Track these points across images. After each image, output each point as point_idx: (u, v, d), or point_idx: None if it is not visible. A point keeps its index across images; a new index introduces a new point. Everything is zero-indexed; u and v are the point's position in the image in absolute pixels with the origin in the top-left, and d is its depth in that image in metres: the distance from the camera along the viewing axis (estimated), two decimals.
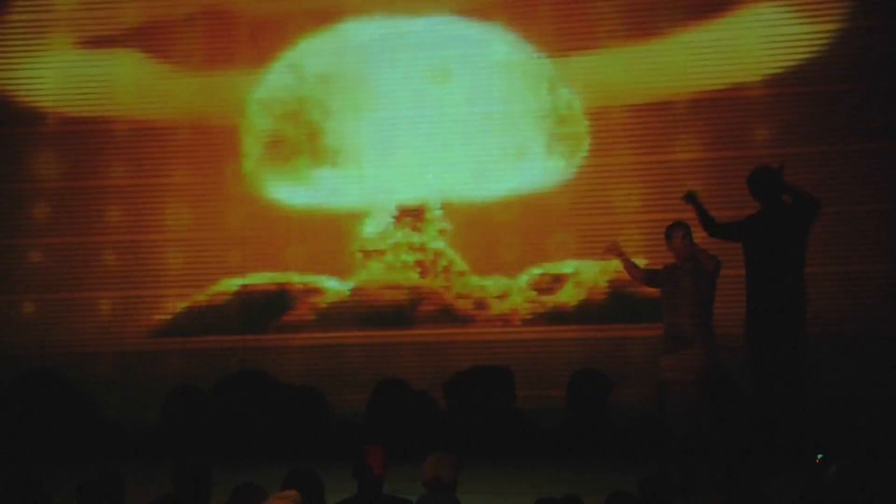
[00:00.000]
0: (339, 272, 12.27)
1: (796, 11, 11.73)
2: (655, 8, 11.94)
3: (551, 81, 12.14)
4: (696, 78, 11.86)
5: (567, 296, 11.97)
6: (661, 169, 11.86)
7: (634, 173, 11.93)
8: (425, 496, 5.53)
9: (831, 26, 11.69)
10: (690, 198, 8.36)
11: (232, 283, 12.42)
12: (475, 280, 12.02)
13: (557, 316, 11.89)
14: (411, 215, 12.22)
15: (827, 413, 9.43)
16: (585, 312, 11.95)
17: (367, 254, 12.23)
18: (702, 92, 11.85)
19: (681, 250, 8.07)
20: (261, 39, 12.44)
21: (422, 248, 12.15)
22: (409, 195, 12.21)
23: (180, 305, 12.43)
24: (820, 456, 6.56)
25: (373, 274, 12.21)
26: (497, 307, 11.99)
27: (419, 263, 12.15)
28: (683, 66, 11.86)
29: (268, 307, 12.35)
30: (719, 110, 11.82)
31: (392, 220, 12.23)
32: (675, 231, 8.16)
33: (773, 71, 11.75)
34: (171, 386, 10.86)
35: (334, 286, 12.26)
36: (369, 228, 12.26)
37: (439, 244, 12.17)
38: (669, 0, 11.89)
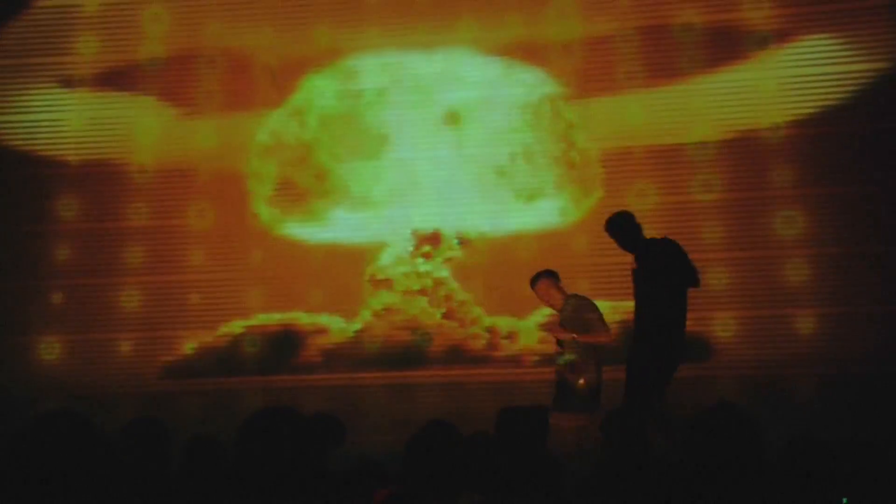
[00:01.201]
0: (355, 312, 12.30)
1: (814, 56, 11.78)
2: (674, 52, 11.99)
3: (569, 122, 12.17)
4: (714, 120, 11.89)
5: None
6: (678, 210, 11.87)
7: (651, 214, 11.93)
8: None
9: (851, 67, 11.74)
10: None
11: (249, 324, 12.44)
12: (486, 319, 12.04)
13: None
14: (426, 244, 12.25)
15: (845, 454, 9.35)
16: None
17: (377, 283, 12.25)
18: (720, 134, 11.89)
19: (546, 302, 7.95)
20: (280, 81, 12.53)
21: (427, 275, 12.18)
22: (425, 227, 12.25)
23: (198, 346, 12.46)
24: (845, 501, 6.50)
25: (384, 302, 12.24)
26: (508, 347, 11.99)
27: (423, 291, 12.16)
28: (701, 109, 11.90)
29: (285, 347, 12.37)
30: (737, 152, 11.85)
31: (406, 250, 12.26)
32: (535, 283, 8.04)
33: (791, 113, 11.79)
34: (189, 435, 10.84)
35: (349, 326, 12.28)
36: (383, 260, 12.30)
37: (443, 273, 12.19)
38: (687, 44, 11.94)
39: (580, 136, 12.17)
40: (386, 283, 12.29)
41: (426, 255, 12.24)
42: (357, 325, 12.27)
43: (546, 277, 7.83)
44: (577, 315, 7.69)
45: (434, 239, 12.28)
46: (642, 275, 7.99)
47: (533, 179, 12.16)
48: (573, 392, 7.64)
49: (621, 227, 8.10)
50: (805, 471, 6.82)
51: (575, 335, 7.55)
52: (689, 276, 8.01)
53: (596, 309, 7.82)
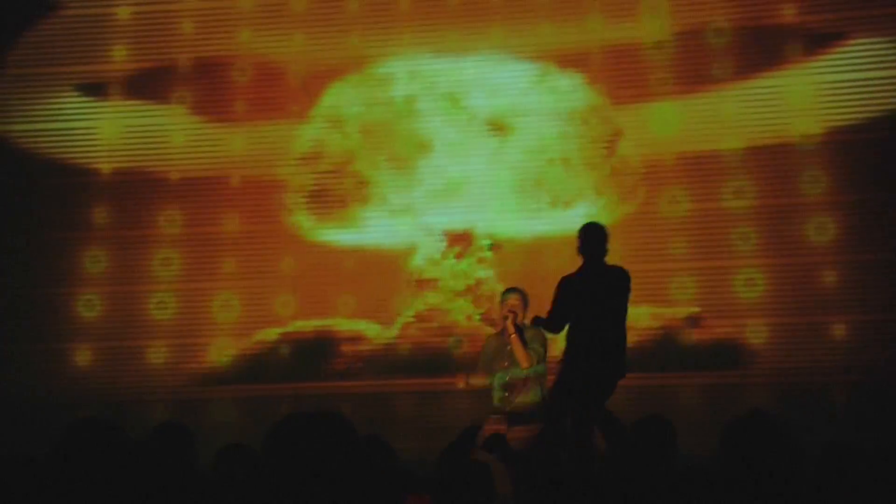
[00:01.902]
0: (390, 318, 12.29)
1: (848, 62, 11.72)
2: (709, 59, 11.95)
3: (604, 128, 12.14)
4: (748, 127, 11.85)
5: None
6: (714, 217, 11.84)
7: (687, 221, 11.90)
8: None
9: (888, 73, 11.68)
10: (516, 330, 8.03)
11: (282, 331, 12.45)
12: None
13: None
14: (458, 244, 12.23)
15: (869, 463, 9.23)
16: (636, 360, 11.90)
17: (422, 283, 12.24)
18: (754, 140, 11.84)
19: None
20: (311, 88, 12.54)
21: (469, 275, 12.15)
22: (457, 228, 12.25)
23: (231, 353, 12.48)
24: None
25: (427, 303, 12.22)
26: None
27: (468, 289, 12.13)
28: (737, 115, 11.86)
29: (318, 354, 12.37)
30: (771, 158, 11.79)
31: (439, 251, 12.24)
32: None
33: (827, 119, 11.72)
34: (224, 442, 10.81)
35: (383, 332, 12.27)
36: (421, 261, 12.28)
37: (483, 273, 12.17)
38: (722, 52, 11.90)
39: (615, 142, 12.12)
40: (432, 283, 12.27)
41: (459, 256, 12.22)
42: (392, 332, 12.26)
43: (523, 295, 7.74)
44: (537, 342, 7.57)
45: (465, 239, 12.26)
46: (593, 292, 7.95)
47: (567, 186, 12.12)
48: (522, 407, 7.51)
49: (595, 236, 8.11)
50: (841, 478, 6.76)
51: (531, 359, 7.43)
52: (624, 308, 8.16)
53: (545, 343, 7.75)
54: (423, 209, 12.33)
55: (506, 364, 7.57)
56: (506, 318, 7.43)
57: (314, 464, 7.22)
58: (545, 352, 7.53)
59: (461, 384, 7.76)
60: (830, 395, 11.24)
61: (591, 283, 8.08)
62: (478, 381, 7.74)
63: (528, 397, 7.48)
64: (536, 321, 7.95)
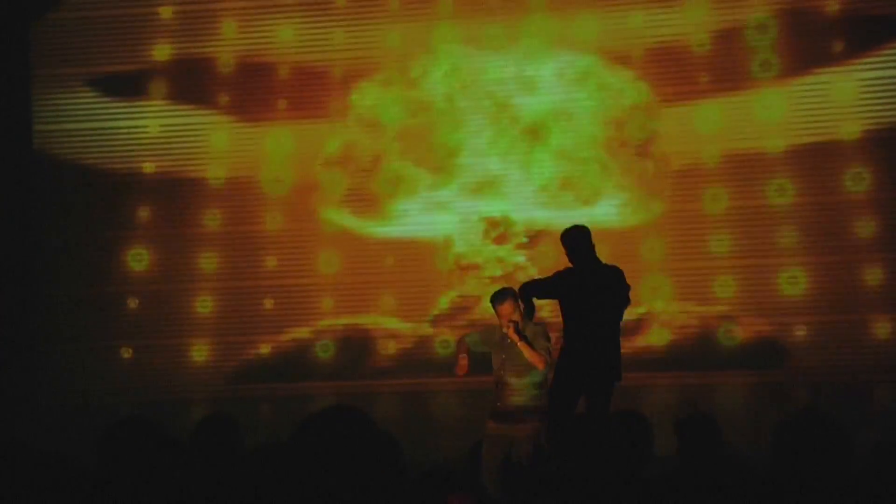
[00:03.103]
0: (426, 314, 12.31)
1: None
2: (749, 60, 11.91)
3: (643, 126, 12.10)
4: (790, 124, 11.80)
5: (655, 339, 11.89)
6: (752, 215, 11.80)
7: (729, 219, 11.87)
8: None
9: None
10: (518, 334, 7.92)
11: (320, 328, 12.49)
12: None
13: (643, 361, 11.78)
14: (497, 229, 12.22)
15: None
16: (673, 358, 11.87)
17: (463, 269, 12.23)
18: (795, 138, 11.79)
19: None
20: (349, 87, 12.56)
21: (507, 261, 12.13)
22: (494, 215, 12.26)
23: (269, 351, 12.52)
24: None
25: (470, 290, 12.22)
26: None
27: (506, 276, 12.11)
28: (779, 113, 11.81)
29: (356, 351, 12.40)
30: (813, 157, 11.72)
31: (480, 234, 12.24)
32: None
33: (868, 117, 11.65)
34: (262, 439, 10.85)
35: (420, 328, 12.28)
36: (459, 247, 12.28)
37: (521, 258, 12.16)
38: (764, 49, 11.85)
39: (656, 139, 12.08)
40: (472, 269, 12.26)
41: (498, 240, 12.20)
42: (430, 328, 12.27)
43: (514, 297, 7.64)
44: (541, 337, 7.49)
45: (504, 224, 12.24)
46: (586, 292, 7.93)
47: (605, 182, 12.08)
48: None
49: (576, 239, 8.08)
50: (892, 478, 6.69)
51: (544, 358, 7.36)
52: (626, 302, 8.08)
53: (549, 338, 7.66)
54: (462, 202, 12.32)
55: (503, 357, 7.51)
56: (507, 328, 7.32)
57: (336, 458, 7.28)
58: (550, 353, 7.45)
59: (463, 366, 7.68)
60: (874, 394, 11.16)
61: (585, 282, 8.05)
62: (472, 338, 7.70)
63: (521, 397, 7.42)
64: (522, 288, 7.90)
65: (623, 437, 7.75)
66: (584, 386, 7.99)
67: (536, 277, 8.86)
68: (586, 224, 8.36)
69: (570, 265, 8.24)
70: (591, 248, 8.14)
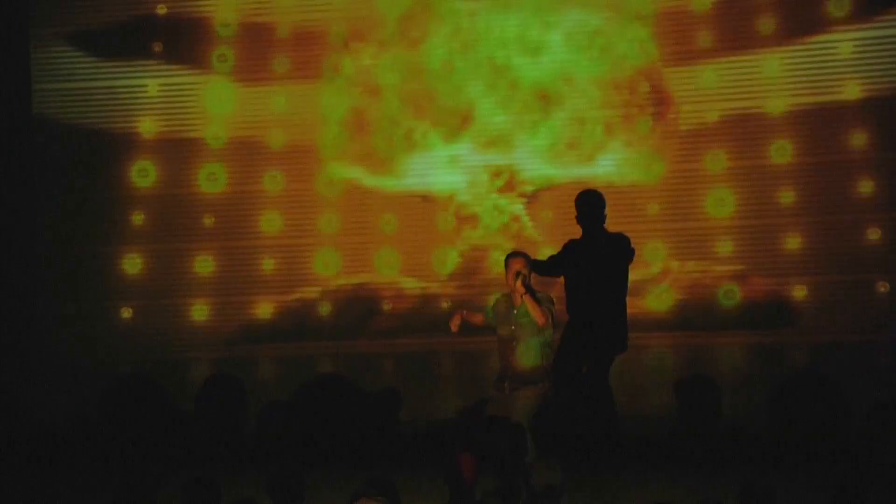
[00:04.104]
0: (429, 275, 12.32)
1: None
2: (754, 21, 11.87)
3: (650, 86, 12.07)
4: (790, 85, 11.77)
5: (655, 300, 11.91)
6: (753, 174, 11.79)
7: (731, 179, 11.87)
8: None
9: None
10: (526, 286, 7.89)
11: (322, 289, 12.50)
12: None
13: (644, 321, 11.80)
14: (500, 177, 12.22)
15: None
16: (673, 319, 11.89)
17: (464, 219, 12.19)
18: (796, 98, 11.76)
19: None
20: (350, 45, 12.51)
21: (506, 210, 12.11)
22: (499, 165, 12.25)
23: (273, 311, 12.54)
24: None
25: (470, 244, 12.22)
26: None
27: (504, 227, 12.11)
28: (779, 75, 11.78)
29: (358, 312, 12.41)
30: (814, 116, 11.70)
31: (485, 184, 12.21)
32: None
33: (869, 77, 11.62)
34: (264, 399, 10.88)
35: (423, 288, 12.30)
36: (463, 197, 12.27)
37: (518, 206, 12.16)
38: (768, 11, 11.82)
39: (661, 101, 12.05)
40: (473, 219, 12.24)
41: (502, 190, 12.20)
42: (432, 287, 12.28)
43: (526, 256, 7.61)
44: (545, 301, 7.48)
45: (509, 173, 12.23)
46: (591, 260, 7.95)
47: (610, 140, 12.06)
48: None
49: (590, 204, 8.04)
50: (889, 436, 6.74)
51: (546, 316, 7.35)
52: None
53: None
54: (468, 157, 12.29)
55: (512, 328, 7.49)
56: (515, 278, 7.32)
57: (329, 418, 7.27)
58: (553, 316, 7.44)
59: (457, 322, 7.66)
60: (873, 354, 11.18)
61: (590, 252, 8.03)
62: (476, 317, 7.69)
63: (529, 360, 7.41)
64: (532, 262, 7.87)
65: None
66: (587, 356, 8.00)
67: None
68: (591, 185, 8.34)
69: (573, 238, 8.22)
70: (603, 215, 8.09)
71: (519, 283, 7.21)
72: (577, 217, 8.13)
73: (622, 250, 8.07)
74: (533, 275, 7.47)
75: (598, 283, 7.98)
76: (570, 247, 8.19)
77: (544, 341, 7.41)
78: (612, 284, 8.04)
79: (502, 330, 7.49)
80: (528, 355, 7.36)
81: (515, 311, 7.40)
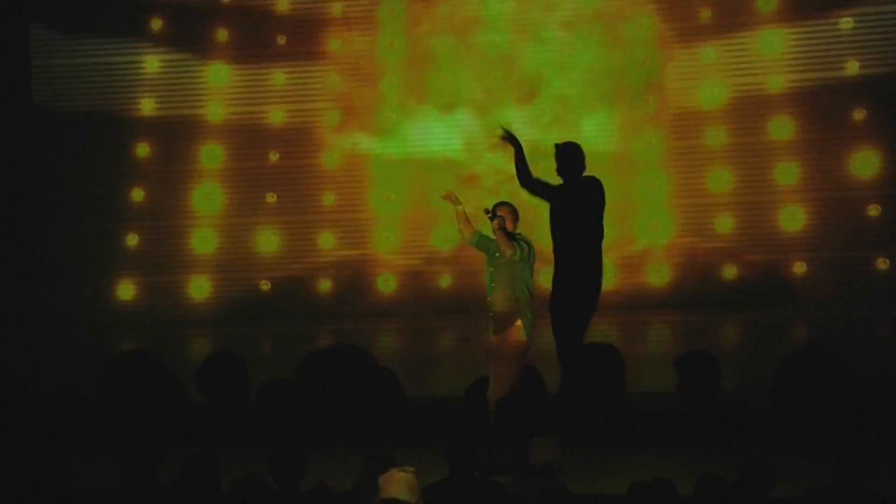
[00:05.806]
0: (425, 252, 12.36)
1: None
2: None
3: (648, 63, 12.10)
4: (789, 63, 11.78)
5: (654, 276, 11.94)
6: (755, 151, 11.82)
7: (729, 156, 11.91)
8: (528, 480, 5.51)
9: None
10: (510, 137, 8.16)
11: (325, 266, 12.54)
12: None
13: (643, 298, 11.84)
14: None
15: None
16: (672, 295, 11.94)
17: (464, 180, 12.17)
18: (795, 76, 11.78)
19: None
20: (352, 26, 12.55)
21: (502, 172, 12.12)
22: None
23: (274, 288, 12.57)
24: None
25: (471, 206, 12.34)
26: None
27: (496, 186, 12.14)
28: (778, 52, 11.80)
29: (357, 289, 12.46)
30: (814, 95, 11.72)
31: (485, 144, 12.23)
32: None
33: (867, 55, 11.63)
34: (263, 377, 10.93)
35: (422, 267, 12.34)
36: (462, 158, 12.37)
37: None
38: None
39: (660, 77, 12.08)
40: (473, 179, 12.24)
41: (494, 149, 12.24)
42: (429, 262, 12.34)
43: (511, 207, 7.79)
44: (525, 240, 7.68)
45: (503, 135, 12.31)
46: (571, 208, 8.11)
47: (608, 115, 12.09)
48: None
49: (571, 153, 8.11)
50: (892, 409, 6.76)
51: (514, 248, 7.54)
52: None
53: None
54: (467, 122, 12.39)
55: (491, 270, 7.74)
56: (493, 219, 7.57)
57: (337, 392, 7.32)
58: (531, 252, 7.63)
59: (452, 198, 7.83)
60: (873, 328, 11.21)
61: (570, 199, 8.16)
62: (468, 226, 7.85)
63: (502, 293, 7.60)
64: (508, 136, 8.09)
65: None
66: (580, 301, 8.11)
67: None
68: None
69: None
70: (583, 166, 8.24)
71: (496, 222, 7.45)
72: (558, 168, 8.28)
73: (594, 189, 8.22)
74: (516, 223, 7.65)
75: (578, 226, 8.14)
76: (559, 186, 8.33)
77: (519, 278, 7.58)
78: (589, 224, 8.20)
79: (487, 271, 7.69)
80: (502, 294, 7.54)
81: (498, 255, 7.61)
